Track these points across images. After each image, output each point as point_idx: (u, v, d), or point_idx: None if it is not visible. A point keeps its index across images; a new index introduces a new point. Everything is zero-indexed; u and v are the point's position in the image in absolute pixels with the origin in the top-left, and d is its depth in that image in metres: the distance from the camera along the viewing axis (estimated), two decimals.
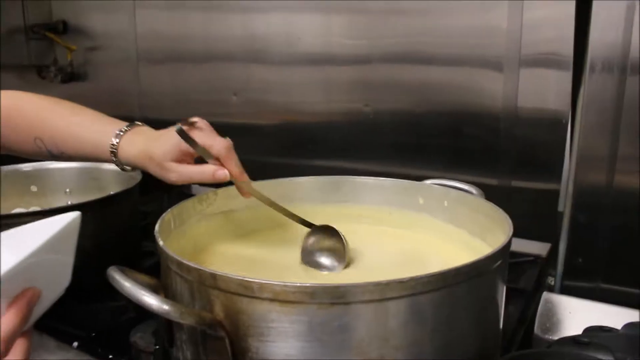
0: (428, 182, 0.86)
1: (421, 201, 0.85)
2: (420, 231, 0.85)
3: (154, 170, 0.73)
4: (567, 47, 1.00)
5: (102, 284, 0.57)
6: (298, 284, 0.51)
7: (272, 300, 0.52)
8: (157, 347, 0.75)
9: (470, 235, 0.79)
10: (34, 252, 0.49)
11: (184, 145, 0.69)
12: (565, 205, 1.06)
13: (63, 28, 1.68)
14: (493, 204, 0.75)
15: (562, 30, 1.00)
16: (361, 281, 0.51)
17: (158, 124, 1.49)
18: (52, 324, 0.82)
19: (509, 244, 0.63)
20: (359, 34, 1.22)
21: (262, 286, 0.52)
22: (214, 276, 0.54)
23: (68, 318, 0.84)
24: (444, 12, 1.11)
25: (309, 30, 1.28)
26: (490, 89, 1.10)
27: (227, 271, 0.54)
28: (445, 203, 0.82)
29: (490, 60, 1.09)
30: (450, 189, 0.82)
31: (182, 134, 0.68)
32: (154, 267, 0.67)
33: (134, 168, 0.78)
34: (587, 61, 0.88)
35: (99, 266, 0.60)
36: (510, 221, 0.69)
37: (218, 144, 0.70)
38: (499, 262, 0.61)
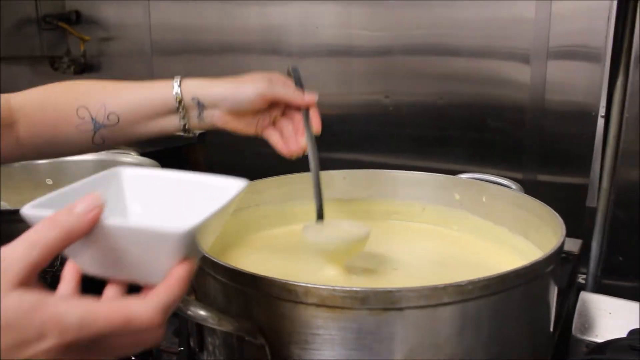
0: (463, 176, 0.81)
1: (457, 197, 0.79)
2: (457, 228, 0.79)
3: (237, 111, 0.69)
4: (598, 39, 0.96)
5: None
6: (348, 288, 0.46)
7: (318, 305, 0.47)
8: (182, 348, 0.70)
9: (511, 233, 0.74)
10: (212, 215, 0.41)
11: (269, 93, 0.69)
12: (599, 200, 1.02)
13: (76, 18, 1.62)
14: (537, 200, 0.70)
15: (592, 21, 0.96)
16: (402, 284, 0.47)
17: None
18: None
19: (563, 243, 0.57)
20: (379, 25, 1.17)
21: (308, 290, 0.47)
22: (254, 279, 0.49)
23: None
24: (469, 3, 1.06)
25: (328, 20, 1.23)
26: (516, 81, 1.05)
27: (263, 270, 0.49)
28: (484, 198, 0.77)
29: (517, 52, 1.04)
30: (489, 184, 0.77)
31: (296, 72, 0.70)
32: None
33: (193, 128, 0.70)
34: (631, 55, 0.84)
35: None
36: (560, 219, 0.63)
37: (309, 94, 0.72)
38: (554, 263, 0.55)
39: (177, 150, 1.32)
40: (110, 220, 0.39)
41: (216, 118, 0.69)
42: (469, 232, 0.78)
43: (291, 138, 0.71)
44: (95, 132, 0.69)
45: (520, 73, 1.04)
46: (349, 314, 0.47)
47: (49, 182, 1.08)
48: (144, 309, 0.38)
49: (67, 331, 0.36)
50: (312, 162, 0.70)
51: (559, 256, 0.57)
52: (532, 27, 1.02)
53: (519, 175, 1.08)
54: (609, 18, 0.95)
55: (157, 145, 1.37)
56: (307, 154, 0.70)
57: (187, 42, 1.43)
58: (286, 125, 0.72)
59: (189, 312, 0.47)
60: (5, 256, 0.37)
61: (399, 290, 0.46)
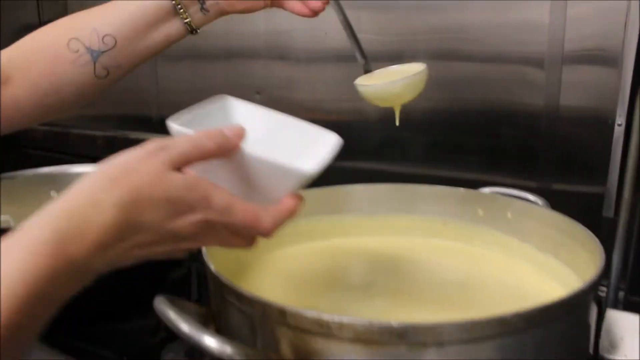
0: (486, 190, 0.77)
1: (480, 212, 0.76)
2: (481, 245, 0.76)
3: None
4: (615, 44, 0.91)
5: (130, 301, 0.49)
6: (385, 323, 0.43)
7: (353, 340, 0.43)
8: None
9: (539, 251, 0.70)
10: (323, 163, 0.49)
11: None
12: (621, 212, 0.98)
13: None
14: (568, 217, 0.67)
15: (609, 25, 0.91)
16: (432, 310, 0.47)
17: None
18: (79, 345, 0.73)
19: (605, 265, 0.54)
20: (390, 30, 1.13)
21: (342, 325, 0.43)
22: (282, 312, 0.45)
23: (97, 339, 0.76)
24: (481, 8, 1.02)
25: (336, 26, 1.19)
26: (530, 87, 1.01)
27: (285, 297, 0.46)
28: (509, 214, 0.73)
29: (531, 57, 1.00)
30: (514, 199, 0.74)
31: None
32: (184, 278, 0.59)
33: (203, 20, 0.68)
34: None
35: (126, 282, 0.55)
36: (596, 239, 0.60)
37: None
38: (597, 287, 0.52)
39: None
40: (249, 148, 0.46)
41: (222, 4, 0.67)
42: (493, 249, 0.75)
43: None
44: (95, 63, 0.64)
45: (535, 79, 1.00)
46: (387, 350, 0.43)
47: (54, 194, 1.05)
48: (268, 215, 0.46)
49: (212, 210, 0.44)
50: (340, 13, 0.74)
51: (600, 279, 0.54)
52: (547, 31, 0.98)
53: (533, 184, 1.03)
54: (626, 21, 0.90)
55: None
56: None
57: (192, 47, 1.37)
58: None
59: (216, 350, 0.43)
60: (168, 143, 0.44)
61: (440, 326, 0.43)
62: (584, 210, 1.02)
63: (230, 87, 1.31)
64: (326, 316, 0.44)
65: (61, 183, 1.05)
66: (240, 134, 0.46)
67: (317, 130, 0.56)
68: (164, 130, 1.52)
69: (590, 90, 0.97)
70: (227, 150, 0.45)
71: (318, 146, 0.52)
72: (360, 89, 0.73)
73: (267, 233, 0.46)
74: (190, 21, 0.65)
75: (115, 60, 0.65)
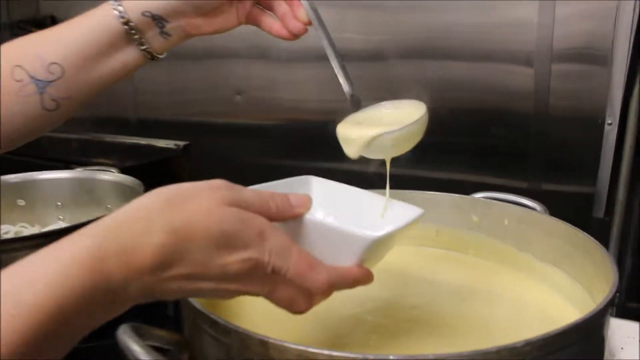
0: (479, 195, 0.72)
1: (475, 219, 0.70)
2: (476, 254, 0.70)
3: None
4: (604, 43, 0.89)
5: None
6: (383, 357, 0.36)
7: None
8: None
9: (539, 261, 0.65)
10: (395, 230, 0.47)
11: None
12: (615, 214, 0.94)
13: (51, 24, 1.50)
14: (570, 225, 0.61)
15: (598, 25, 0.89)
16: (427, 330, 0.44)
17: (154, 125, 1.38)
18: None
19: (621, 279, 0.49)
20: (375, 29, 1.08)
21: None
22: (264, 343, 0.39)
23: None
24: (468, 6, 0.99)
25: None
26: (519, 86, 0.98)
27: (269, 327, 0.43)
28: (506, 222, 0.68)
29: (520, 56, 0.97)
30: (511, 205, 0.68)
31: None
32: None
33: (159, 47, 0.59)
34: None
35: None
36: (603, 248, 0.55)
37: None
38: (613, 303, 0.47)
39: (160, 163, 1.22)
40: (311, 215, 0.45)
41: (185, 26, 0.58)
42: (489, 258, 0.69)
43: (287, 14, 0.60)
44: (41, 94, 0.55)
45: (523, 78, 0.97)
46: None
47: (21, 203, 0.97)
48: (324, 270, 0.42)
49: (266, 250, 0.40)
50: (323, 35, 0.61)
51: (616, 295, 0.48)
52: (535, 30, 0.94)
53: (523, 184, 1.01)
54: (616, 20, 0.87)
55: (138, 159, 1.28)
56: (313, 28, 0.60)
57: (171, 49, 1.32)
58: (275, 1, 0.61)
59: None
60: (235, 186, 0.42)
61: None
62: (574, 210, 0.98)
63: (210, 88, 1.29)
64: (313, 350, 0.37)
65: (28, 191, 0.97)
66: (304, 204, 0.44)
67: (402, 205, 0.54)
68: (142, 133, 1.45)
69: (580, 90, 0.94)
70: (286, 216, 0.43)
71: (396, 218, 0.50)
72: (344, 139, 0.57)
73: (318, 287, 0.42)
74: (148, 47, 0.57)
75: (64, 92, 0.56)
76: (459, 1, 0.98)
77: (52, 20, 1.50)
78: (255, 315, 0.57)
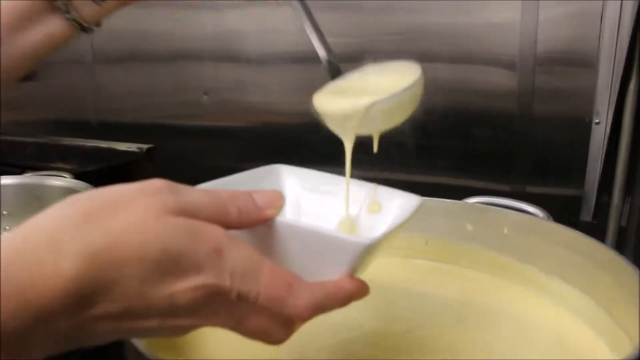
0: (473, 200, 0.63)
1: (470, 227, 0.62)
2: (471, 267, 0.62)
3: None
4: (590, 42, 0.84)
5: None
6: None
7: None
8: None
9: (543, 274, 0.56)
10: (392, 231, 0.37)
11: None
12: (609, 218, 0.87)
13: None
14: (579, 232, 0.53)
15: (583, 25, 0.84)
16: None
17: (118, 128, 1.29)
18: None
19: None
20: (349, 31, 1.01)
21: None
22: None
23: None
24: (446, 8, 0.93)
25: (290, 26, 1.05)
26: (502, 88, 0.92)
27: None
28: (505, 230, 0.59)
29: (502, 58, 0.91)
30: (510, 211, 0.59)
31: None
32: None
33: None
34: None
35: None
36: (622, 257, 0.47)
37: None
38: None
39: (121, 168, 1.11)
40: (285, 217, 0.36)
41: None
42: (485, 271, 0.61)
43: None
44: None
45: (506, 79, 0.92)
46: None
47: None
48: (306, 290, 0.32)
49: (226, 272, 0.29)
50: None
51: None
52: (518, 32, 0.89)
53: (506, 187, 0.95)
54: (602, 19, 0.83)
55: (98, 163, 1.18)
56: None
57: (134, 49, 1.24)
58: None
59: None
60: (180, 187, 0.31)
61: None
62: (562, 213, 0.93)
63: (177, 90, 1.20)
64: None
65: None
66: (274, 202, 0.34)
67: (394, 193, 0.43)
68: (104, 136, 1.35)
69: (565, 91, 0.89)
70: (251, 221, 0.33)
71: (391, 212, 0.42)
72: (323, 112, 0.44)
73: (300, 313, 0.32)
74: (77, 17, 0.49)
75: None
76: (438, 2, 0.92)
77: None
78: (218, 343, 0.48)
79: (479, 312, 0.54)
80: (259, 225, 0.34)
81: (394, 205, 0.43)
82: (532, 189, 0.94)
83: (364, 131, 0.43)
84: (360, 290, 0.35)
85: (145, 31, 1.20)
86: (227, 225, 0.31)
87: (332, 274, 0.34)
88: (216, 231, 0.30)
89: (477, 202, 0.62)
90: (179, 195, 0.30)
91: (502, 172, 0.95)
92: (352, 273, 0.35)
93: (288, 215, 0.42)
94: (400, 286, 0.59)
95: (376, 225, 0.42)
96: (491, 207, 0.60)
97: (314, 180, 0.46)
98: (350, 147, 0.43)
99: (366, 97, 0.41)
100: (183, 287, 0.28)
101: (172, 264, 0.28)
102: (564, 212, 0.90)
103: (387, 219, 0.42)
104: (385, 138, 0.99)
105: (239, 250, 0.30)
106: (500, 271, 0.59)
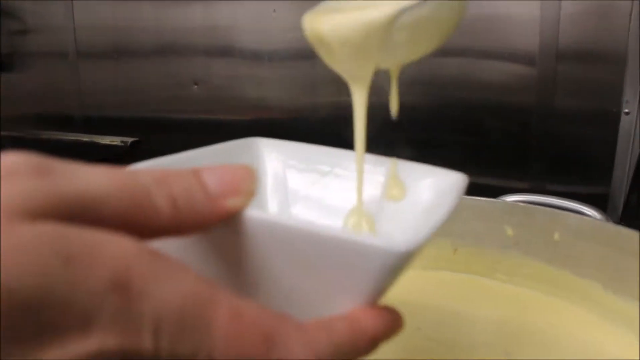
0: (512, 198, 0.50)
1: (510, 231, 0.48)
2: (511, 281, 0.48)
3: None
4: (618, 35, 0.75)
5: None
6: None
7: None
8: None
9: (606, 290, 0.43)
10: (440, 223, 0.23)
11: None
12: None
13: None
14: None
15: (610, 17, 0.76)
16: None
17: (102, 123, 1.21)
18: None
19: None
20: None
21: None
22: None
23: None
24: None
25: (287, 21, 0.98)
26: (520, 82, 0.84)
27: None
28: (556, 236, 0.46)
29: (520, 52, 0.82)
30: (562, 212, 0.46)
31: None
32: None
33: None
34: None
35: None
36: None
37: None
38: None
39: (103, 163, 0.99)
40: (255, 211, 0.19)
41: None
42: (531, 286, 0.48)
43: None
44: None
45: (524, 73, 0.83)
46: None
47: None
48: (294, 346, 0.18)
49: (142, 326, 0.15)
50: None
51: None
52: (538, 24, 0.80)
53: (525, 185, 0.84)
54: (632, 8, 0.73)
55: (79, 157, 1.07)
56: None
57: (119, 43, 1.14)
58: None
59: None
60: (57, 166, 0.17)
61: None
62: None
63: (163, 84, 1.10)
64: None
65: None
66: (240, 185, 0.19)
67: (420, 169, 0.30)
68: (89, 131, 1.25)
69: (590, 81, 0.79)
70: (196, 219, 0.19)
71: (418, 199, 0.28)
72: (321, 31, 0.27)
73: None
74: None
75: None
76: None
77: None
78: None
79: (530, 337, 0.41)
80: (211, 226, 0.19)
81: (424, 186, 0.29)
82: (553, 187, 0.83)
83: (383, 63, 0.29)
84: (391, 326, 0.21)
85: (130, 26, 1.11)
86: (151, 229, 0.18)
87: (343, 302, 0.20)
88: (119, 247, 0.16)
89: (517, 201, 0.49)
90: (54, 179, 0.16)
91: (520, 168, 0.84)
92: (374, 299, 0.21)
93: (270, 208, 0.29)
94: (423, 306, 0.46)
95: (402, 219, 0.29)
96: (537, 206, 0.47)
97: (307, 155, 0.33)
98: (364, 95, 0.29)
99: (387, 3, 0.26)
100: (55, 356, 0.15)
101: (30, 320, 0.14)
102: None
103: (416, 208, 0.28)
104: (395, 133, 0.90)
105: (167, 280, 0.16)
106: (551, 287, 0.46)
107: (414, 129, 0.89)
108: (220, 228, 0.20)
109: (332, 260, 0.20)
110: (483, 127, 0.85)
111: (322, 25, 0.27)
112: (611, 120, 0.76)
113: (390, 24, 0.25)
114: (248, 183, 0.20)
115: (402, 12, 0.25)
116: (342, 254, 0.20)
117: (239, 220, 0.20)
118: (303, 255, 0.20)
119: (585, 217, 0.45)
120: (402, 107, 0.76)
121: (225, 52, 1.03)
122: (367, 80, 0.28)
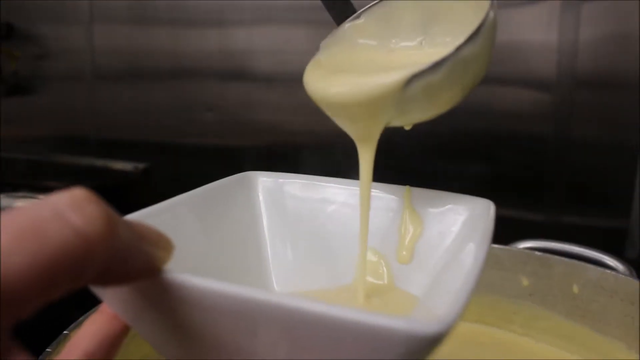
0: (527, 245, 0.46)
1: (525, 282, 0.44)
2: (528, 334, 0.44)
3: None
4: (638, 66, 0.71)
5: None
6: None
7: None
8: None
9: (630, 350, 0.39)
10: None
11: None
12: None
13: (7, 32, 1.29)
14: None
15: (630, 47, 0.72)
16: None
17: (116, 146, 1.19)
18: None
19: None
20: None
21: None
22: None
23: None
24: None
25: (300, 46, 0.96)
26: (537, 109, 0.80)
27: None
28: (575, 288, 0.42)
29: (535, 79, 0.79)
30: (581, 264, 0.42)
31: None
32: None
33: None
34: None
35: None
36: None
37: None
38: None
39: (115, 188, 0.98)
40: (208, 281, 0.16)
41: None
42: (546, 340, 0.43)
43: None
44: None
45: (540, 101, 0.80)
46: None
47: None
48: None
49: None
50: None
51: None
52: (555, 51, 0.77)
53: (540, 217, 0.80)
54: None
55: (92, 182, 1.05)
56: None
57: (135, 67, 1.13)
58: None
59: None
60: None
61: None
62: (601, 249, 0.78)
63: (178, 108, 1.08)
64: None
65: None
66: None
67: (439, 198, 0.25)
68: (103, 154, 1.25)
69: (609, 111, 0.75)
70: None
71: (441, 236, 0.23)
72: (324, 96, 0.26)
73: None
74: None
75: None
76: None
77: (8, 28, 1.28)
78: None
79: None
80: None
81: (445, 216, 0.25)
82: (569, 219, 0.79)
83: (393, 123, 0.26)
84: None
85: (147, 49, 1.10)
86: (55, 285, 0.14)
87: None
88: None
89: (533, 248, 0.45)
90: None
91: (535, 199, 0.80)
92: None
93: (269, 247, 0.25)
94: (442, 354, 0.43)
95: (424, 259, 0.24)
96: (554, 257, 0.43)
97: (307, 188, 0.30)
98: (370, 153, 0.26)
99: (399, 69, 0.23)
100: None
101: None
102: (605, 245, 0.76)
103: (438, 242, 0.24)
104: (407, 162, 0.87)
105: None
106: (570, 343, 0.42)
107: (421, 159, 0.87)
108: (205, 313, 0.16)
109: (344, 349, 0.16)
110: (497, 156, 0.82)
111: (329, 90, 0.24)
112: (630, 149, 0.73)
113: (401, 90, 0.22)
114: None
115: (413, 78, 0.22)
116: (356, 341, 0.15)
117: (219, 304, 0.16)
118: (309, 342, 0.16)
119: (606, 271, 0.42)
120: (411, 133, 0.73)
121: (240, 76, 1.01)
122: (374, 139, 0.25)
